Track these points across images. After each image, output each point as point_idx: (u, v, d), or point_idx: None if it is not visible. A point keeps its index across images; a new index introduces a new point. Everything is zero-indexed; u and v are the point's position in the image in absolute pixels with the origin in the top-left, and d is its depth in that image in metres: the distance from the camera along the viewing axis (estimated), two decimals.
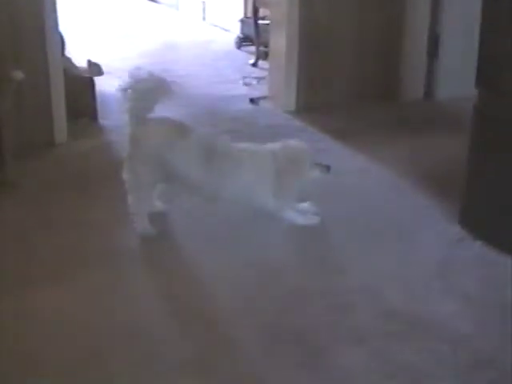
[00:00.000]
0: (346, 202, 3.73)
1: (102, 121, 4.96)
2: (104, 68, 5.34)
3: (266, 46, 6.31)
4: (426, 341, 2.59)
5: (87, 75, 5.06)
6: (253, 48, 7.09)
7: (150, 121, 3.31)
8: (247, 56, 7.17)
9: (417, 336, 2.62)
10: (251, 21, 7.06)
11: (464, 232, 3.37)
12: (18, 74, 4.05)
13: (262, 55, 6.71)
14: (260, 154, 3.40)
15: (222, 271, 3.09)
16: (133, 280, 3.01)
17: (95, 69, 5.22)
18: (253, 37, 7.08)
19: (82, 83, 4.92)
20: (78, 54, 5.93)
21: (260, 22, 6.85)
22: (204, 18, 9.29)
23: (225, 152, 3.32)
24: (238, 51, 7.53)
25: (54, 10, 4.33)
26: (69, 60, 5.18)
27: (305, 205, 3.53)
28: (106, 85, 5.65)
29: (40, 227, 3.44)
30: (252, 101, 5.59)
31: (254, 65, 6.83)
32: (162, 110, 5.02)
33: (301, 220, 3.45)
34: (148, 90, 3.24)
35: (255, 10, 6.88)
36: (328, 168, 3.43)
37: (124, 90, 3.25)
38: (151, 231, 3.32)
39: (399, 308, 2.81)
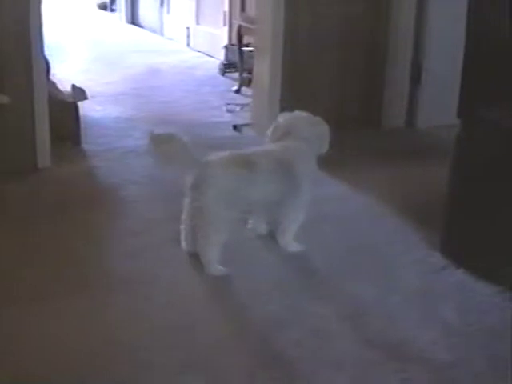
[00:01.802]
0: (326, 229, 3.74)
1: (85, 145, 4.97)
2: (88, 92, 5.36)
3: (249, 73, 6.35)
4: (406, 368, 2.60)
5: (71, 100, 5.08)
6: (236, 75, 7.13)
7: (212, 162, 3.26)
8: (231, 82, 7.21)
9: (396, 364, 2.63)
10: (235, 47, 7.12)
11: (444, 260, 3.39)
12: (3, 98, 4.06)
13: (246, 82, 6.75)
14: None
15: (202, 294, 3.10)
16: (112, 305, 2.99)
17: (79, 93, 5.23)
18: (237, 63, 7.13)
19: (65, 108, 4.93)
20: (63, 78, 5.95)
21: (244, 48, 6.90)
22: (188, 44, 9.34)
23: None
24: (221, 78, 7.57)
25: (40, 35, 4.34)
26: (53, 84, 5.19)
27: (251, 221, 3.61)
28: (90, 109, 5.71)
29: (20, 252, 3.42)
30: (235, 128, 5.61)
31: (238, 91, 6.87)
32: (143, 136, 5.06)
33: (294, 246, 3.48)
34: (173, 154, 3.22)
35: (240, 37, 6.93)
36: None
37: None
38: (224, 271, 3.26)
39: (379, 336, 2.81)
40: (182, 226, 3.37)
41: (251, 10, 6.69)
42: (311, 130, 3.46)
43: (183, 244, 3.40)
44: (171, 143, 3.20)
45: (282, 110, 5.17)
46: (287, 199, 3.40)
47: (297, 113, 3.53)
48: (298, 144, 3.43)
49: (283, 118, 3.53)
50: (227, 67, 7.60)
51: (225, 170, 3.21)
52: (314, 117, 3.51)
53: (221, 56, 7.92)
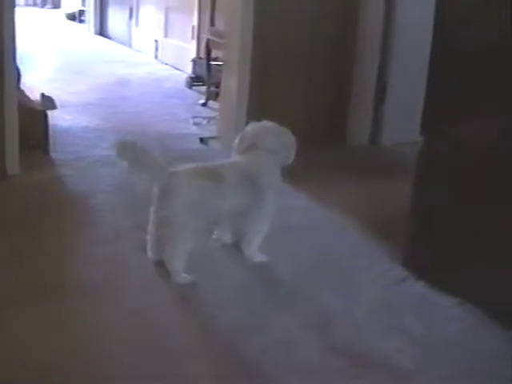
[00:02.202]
0: (291, 240, 3.81)
1: (53, 154, 4.99)
2: (57, 102, 5.38)
3: (217, 87, 6.40)
4: (371, 376, 2.67)
5: (40, 108, 5.10)
6: (203, 88, 7.18)
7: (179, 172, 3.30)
8: (198, 96, 7.25)
9: (361, 372, 2.69)
10: (203, 61, 7.17)
11: (406, 273, 3.47)
12: None
13: (213, 95, 6.81)
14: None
15: (166, 303, 3.14)
16: (81, 312, 3.02)
17: (48, 102, 5.26)
18: (204, 77, 7.18)
19: (35, 116, 4.94)
20: (32, 87, 5.96)
21: (212, 62, 6.96)
22: (156, 57, 9.38)
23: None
24: (188, 91, 7.61)
25: (13, 44, 4.36)
26: (23, 92, 5.21)
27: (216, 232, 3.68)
28: (59, 118, 5.72)
29: None
30: (202, 140, 5.65)
31: (204, 105, 6.91)
32: (111, 146, 5.04)
33: (258, 257, 3.54)
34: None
35: (208, 51, 6.98)
36: None
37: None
38: (190, 279, 3.30)
39: (343, 345, 2.87)
40: (148, 236, 3.42)
41: (220, 24, 6.74)
42: (276, 141, 3.51)
43: (149, 253, 3.45)
44: (136, 151, 3.25)
45: (248, 123, 5.27)
46: (252, 210, 3.47)
47: (264, 123, 3.58)
48: (263, 155, 3.49)
49: (250, 127, 3.60)
50: (195, 80, 7.64)
51: (192, 181, 3.27)
52: (280, 127, 3.57)
53: (188, 69, 7.97)
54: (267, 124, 3.58)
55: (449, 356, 2.82)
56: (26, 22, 11.04)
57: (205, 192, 3.27)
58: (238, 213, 3.47)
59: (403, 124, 5.33)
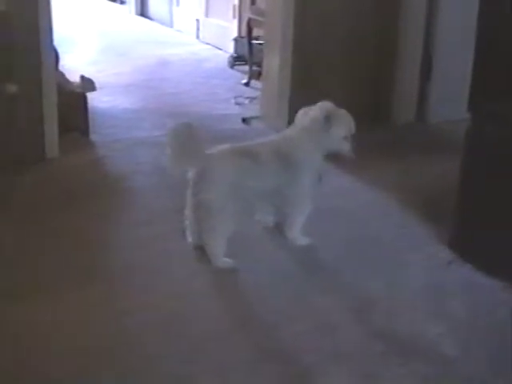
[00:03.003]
0: (333, 223, 3.73)
1: (93, 136, 4.96)
2: (97, 83, 5.35)
3: (259, 66, 6.33)
4: (412, 363, 2.59)
5: (80, 90, 5.07)
6: (246, 67, 7.10)
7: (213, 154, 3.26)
8: (240, 75, 7.18)
9: (403, 358, 2.62)
10: (245, 40, 7.08)
11: (453, 255, 3.38)
12: (11, 88, 4.06)
13: (255, 75, 6.73)
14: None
15: (206, 288, 3.10)
16: (119, 296, 3.01)
17: (88, 84, 5.23)
18: (246, 56, 7.11)
19: (74, 98, 4.92)
20: (72, 69, 5.94)
21: (254, 41, 6.88)
22: (198, 36, 9.31)
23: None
24: (230, 70, 7.54)
25: (50, 25, 4.33)
26: (62, 75, 5.19)
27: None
28: (99, 100, 5.70)
29: (27, 242, 3.43)
30: (244, 120, 5.59)
31: (247, 84, 6.84)
32: (151, 128, 5.06)
33: (301, 240, 3.47)
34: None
35: (249, 30, 6.89)
36: None
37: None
38: (231, 263, 3.25)
39: (385, 329, 2.81)
40: (187, 221, 3.37)
41: (261, 2, 6.64)
42: (315, 120, 3.38)
43: (189, 238, 3.39)
44: (188, 134, 3.20)
45: (291, 103, 5.19)
46: (290, 189, 3.38)
47: (321, 103, 3.44)
48: (299, 133, 3.40)
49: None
50: (236, 60, 7.56)
51: (226, 162, 3.22)
52: (330, 107, 3.41)
53: (230, 49, 7.89)
54: (323, 104, 3.43)
55: (493, 342, 2.73)
56: (67, 3, 11.06)
57: (240, 172, 3.21)
58: (276, 192, 3.39)
59: (450, 101, 5.24)
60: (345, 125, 3.40)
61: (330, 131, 3.36)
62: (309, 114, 3.41)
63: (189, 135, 3.20)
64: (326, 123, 3.35)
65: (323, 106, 3.40)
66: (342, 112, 3.41)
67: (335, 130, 3.38)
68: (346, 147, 3.42)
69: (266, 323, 2.84)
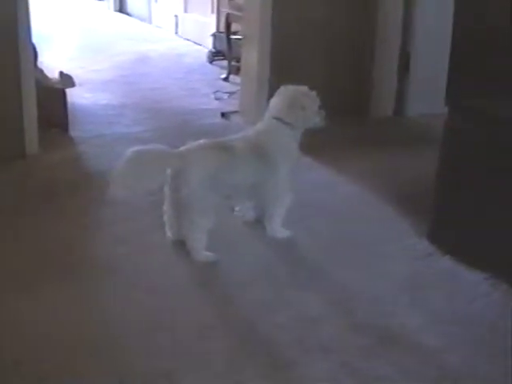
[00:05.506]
0: (313, 216, 3.74)
1: (73, 132, 4.95)
2: (76, 80, 5.34)
3: (238, 61, 6.33)
4: (394, 354, 2.61)
5: (59, 86, 5.06)
6: (225, 62, 7.10)
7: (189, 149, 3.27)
8: (219, 70, 7.19)
9: (384, 349, 2.64)
10: (223, 35, 7.09)
11: (432, 247, 3.40)
12: None
13: (234, 70, 6.74)
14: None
15: (187, 282, 3.11)
16: (99, 292, 3.00)
17: (67, 80, 5.21)
18: (225, 51, 7.11)
19: (53, 94, 4.91)
20: (51, 65, 5.92)
21: (232, 36, 6.88)
22: (177, 32, 9.31)
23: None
24: (210, 65, 7.54)
25: (28, 21, 4.32)
26: (41, 71, 5.17)
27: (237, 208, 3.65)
28: (79, 97, 5.69)
29: (7, 239, 3.41)
30: (223, 115, 5.60)
31: (226, 79, 6.85)
32: (131, 123, 5.06)
33: (281, 232, 3.48)
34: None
35: (228, 25, 6.90)
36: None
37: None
38: (211, 257, 3.27)
39: (366, 321, 2.83)
40: (165, 216, 3.38)
41: None
42: (285, 108, 3.45)
43: (168, 233, 3.40)
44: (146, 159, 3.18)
45: (270, 97, 5.20)
46: (268, 182, 3.40)
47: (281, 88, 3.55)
48: (272, 124, 3.44)
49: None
50: (215, 55, 7.57)
51: (202, 156, 3.23)
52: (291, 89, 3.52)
53: (209, 44, 7.90)
54: (286, 91, 3.52)
55: (474, 333, 2.76)
56: (45, 0, 11.00)
57: (216, 165, 3.22)
58: (254, 185, 3.40)
59: (428, 95, 5.27)
60: (312, 100, 3.47)
61: (303, 113, 3.43)
62: (276, 104, 3.47)
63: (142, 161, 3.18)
64: (296, 109, 3.41)
65: (286, 94, 3.48)
66: (304, 89, 3.49)
67: (308, 109, 3.45)
68: (318, 119, 3.49)
69: (248, 316, 2.85)
